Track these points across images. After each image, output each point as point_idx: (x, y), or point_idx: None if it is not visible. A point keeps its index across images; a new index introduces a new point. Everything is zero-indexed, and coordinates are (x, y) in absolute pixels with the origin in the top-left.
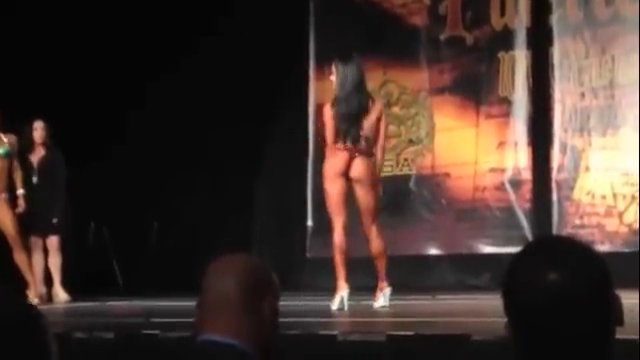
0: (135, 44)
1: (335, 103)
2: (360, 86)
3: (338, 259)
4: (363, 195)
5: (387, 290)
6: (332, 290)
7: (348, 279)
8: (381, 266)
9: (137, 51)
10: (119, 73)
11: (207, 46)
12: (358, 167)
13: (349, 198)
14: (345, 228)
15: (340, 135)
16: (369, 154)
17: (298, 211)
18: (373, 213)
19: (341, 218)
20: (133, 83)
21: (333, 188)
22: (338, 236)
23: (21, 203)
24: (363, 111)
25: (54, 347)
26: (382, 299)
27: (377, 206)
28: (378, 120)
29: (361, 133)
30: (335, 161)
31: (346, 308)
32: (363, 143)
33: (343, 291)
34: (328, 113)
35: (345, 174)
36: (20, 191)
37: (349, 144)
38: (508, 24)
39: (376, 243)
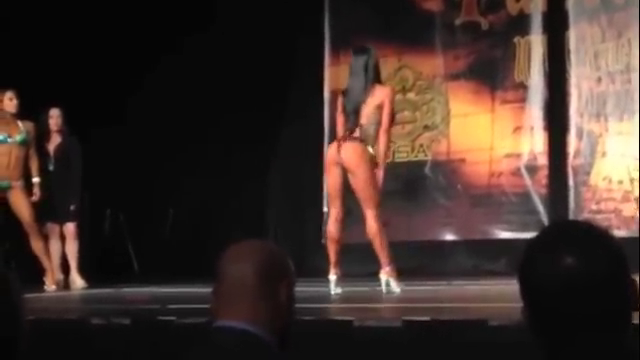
0: (150, 26)
1: (343, 94)
2: (364, 76)
3: (329, 247)
4: (353, 180)
5: (384, 276)
6: (348, 276)
7: (337, 266)
8: (378, 250)
9: (151, 36)
10: (134, 58)
11: (223, 30)
12: (346, 152)
13: (346, 188)
14: (338, 217)
15: (346, 126)
16: (361, 140)
17: (313, 197)
18: (365, 197)
19: (335, 208)
20: (147, 69)
21: (329, 179)
22: (331, 225)
23: (36, 191)
24: (362, 102)
25: (22, 303)
26: (384, 285)
27: (370, 190)
28: (379, 107)
29: (360, 122)
30: (329, 152)
31: (332, 293)
32: (358, 131)
33: (331, 277)
34: (339, 105)
35: (339, 163)
36: (35, 179)
37: (346, 133)
38: (524, 9)
39: (369, 227)
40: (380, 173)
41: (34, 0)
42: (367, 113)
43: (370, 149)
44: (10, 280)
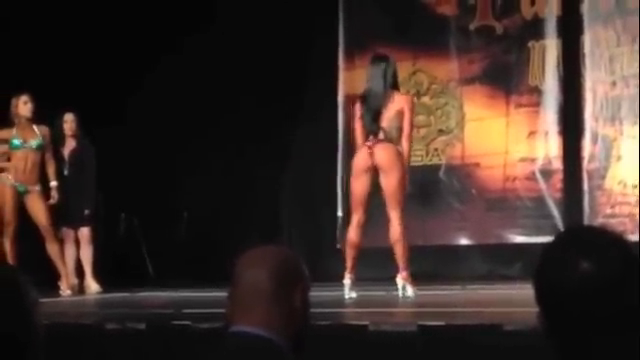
0: (159, 26)
1: (360, 101)
2: (383, 83)
3: (348, 252)
4: (385, 180)
5: (401, 281)
6: (362, 280)
7: (353, 271)
8: (399, 254)
9: (160, 37)
10: (152, 61)
11: (237, 31)
12: (380, 154)
13: (372, 194)
14: (360, 223)
15: (365, 131)
16: (390, 141)
17: (327, 200)
18: (395, 199)
19: (358, 214)
20: (161, 72)
21: (357, 184)
22: (352, 230)
23: (54, 195)
24: (382, 107)
25: (34, 306)
26: (400, 289)
27: (400, 193)
28: (400, 113)
29: (381, 125)
30: (359, 156)
31: (347, 297)
32: (382, 134)
33: (345, 281)
34: (357, 111)
35: (370, 168)
36: (53, 183)
37: (371, 138)
38: (538, 13)
39: (393, 230)
40: (406, 177)
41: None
42: (388, 117)
43: (400, 148)
44: (21, 282)
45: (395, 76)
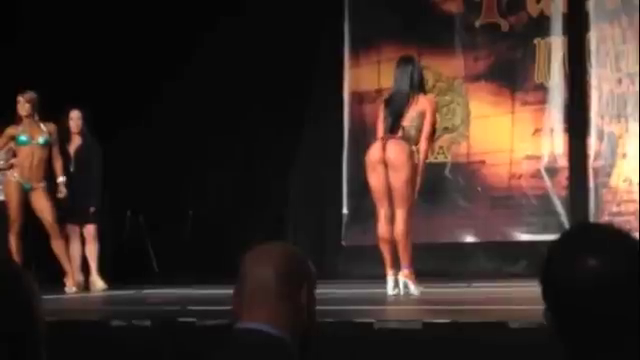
0: (168, 27)
1: (385, 103)
2: (409, 84)
3: (382, 248)
4: (392, 177)
5: (402, 278)
6: (368, 278)
7: (394, 266)
8: (401, 253)
9: (171, 37)
10: (156, 60)
11: (242, 30)
12: (391, 150)
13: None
14: (387, 216)
15: (385, 132)
16: (407, 139)
17: (333, 198)
18: (401, 197)
19: (383, 208)
20: (168, 71)
21: (372, 178)
22: (381, 226)
23: (62, 190)
24: (405, 108)
25: (35, 302)
26: (402, 287)
27: (407, 192)
28: (422, 114)
29: (402, 124)
30: (372, 150)
31: (390, 292)
32: (400, 132)
33: (389, 277)
34: (380, 112)
35: (382, 160)
36: (60, 179)
37: (387, 133)
38: (544, 10)
39: (397, 228)
40: (418, 178)
41: (54, 2)
42: (410, 117)
43: (414, 148)
44: (23, 277)
45: (421, 78)
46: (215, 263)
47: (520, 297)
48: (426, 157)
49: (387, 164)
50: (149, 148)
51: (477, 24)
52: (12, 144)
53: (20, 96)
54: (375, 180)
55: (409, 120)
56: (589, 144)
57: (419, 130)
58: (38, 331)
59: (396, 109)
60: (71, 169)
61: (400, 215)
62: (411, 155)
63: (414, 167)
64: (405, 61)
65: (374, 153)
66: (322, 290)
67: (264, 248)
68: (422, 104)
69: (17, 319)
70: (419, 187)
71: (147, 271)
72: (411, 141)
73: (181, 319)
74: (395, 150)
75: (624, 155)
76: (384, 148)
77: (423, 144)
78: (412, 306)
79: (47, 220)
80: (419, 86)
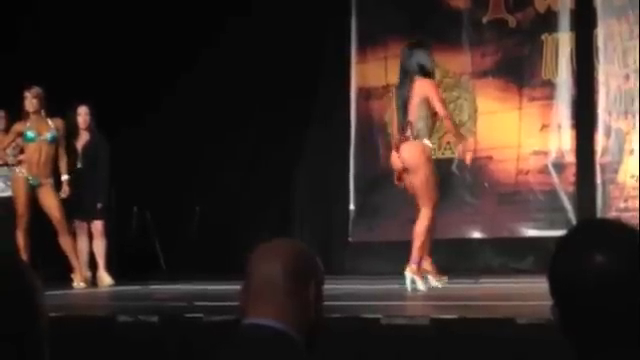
0: (182, 25)
1: (395, 90)
2: (403, 72)
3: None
4: (413, 179)
5: (409, 274)
6: (374, 274)
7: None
8: (414, 247)
9: (180, 35)
10: (164, 57)
11: (250, 28)
12: (404, 153)
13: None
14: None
15: (399, 125)
16: (417, 137)
17: (339, 195)
18: (423, 196)
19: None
20: (177, 68)
21: (405, 183)
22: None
23: (65, 189)
24: (406, 99)
25: (37, 298)
26: (408, 282)
27: (428, 190)
28: (424, 100)
29: (408, 119)
30: (393, 160)
31: (420, 288)
32: (409, 130)
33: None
34: (392, 102)
35: (403, 167)
36: (64, 177)
37: (399, 137)
38: (552, 6)
39: (418, 224)
40: (461, 148)
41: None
42: (412, 108)
43: (427, 142)
44: (26, 274)
45: (429, 61)
46: (222, 259)
47: (527, 293)
48: (456, 129)
49: (405, 167)
50: (156, 144)
51: (484, 20)
52: (20, 140)
53: (27, 92)
54: (407, 185)
55: (412, 113)
56: (596, 140)
57: (426, 118)
58: (40, 328)
59: (402, 99)
60: (78, 165)
61: (423, 213)
62: (424, 153)
63: (430, 165)
64: (406, 47)
65: (395, 163)
66: (329, 286)
67: (272, 244)
68: (420, 88)
69: (19, 317)
70: (472, 154)
71: (154, 267)
72: (422, 133)
73: (188, 315)
74: (408, 154)
75: (631, 151)
76: (400, 155)
77: (447, 123)
78: (419, 302)
79: (55, 216)
80: (420, 70)
